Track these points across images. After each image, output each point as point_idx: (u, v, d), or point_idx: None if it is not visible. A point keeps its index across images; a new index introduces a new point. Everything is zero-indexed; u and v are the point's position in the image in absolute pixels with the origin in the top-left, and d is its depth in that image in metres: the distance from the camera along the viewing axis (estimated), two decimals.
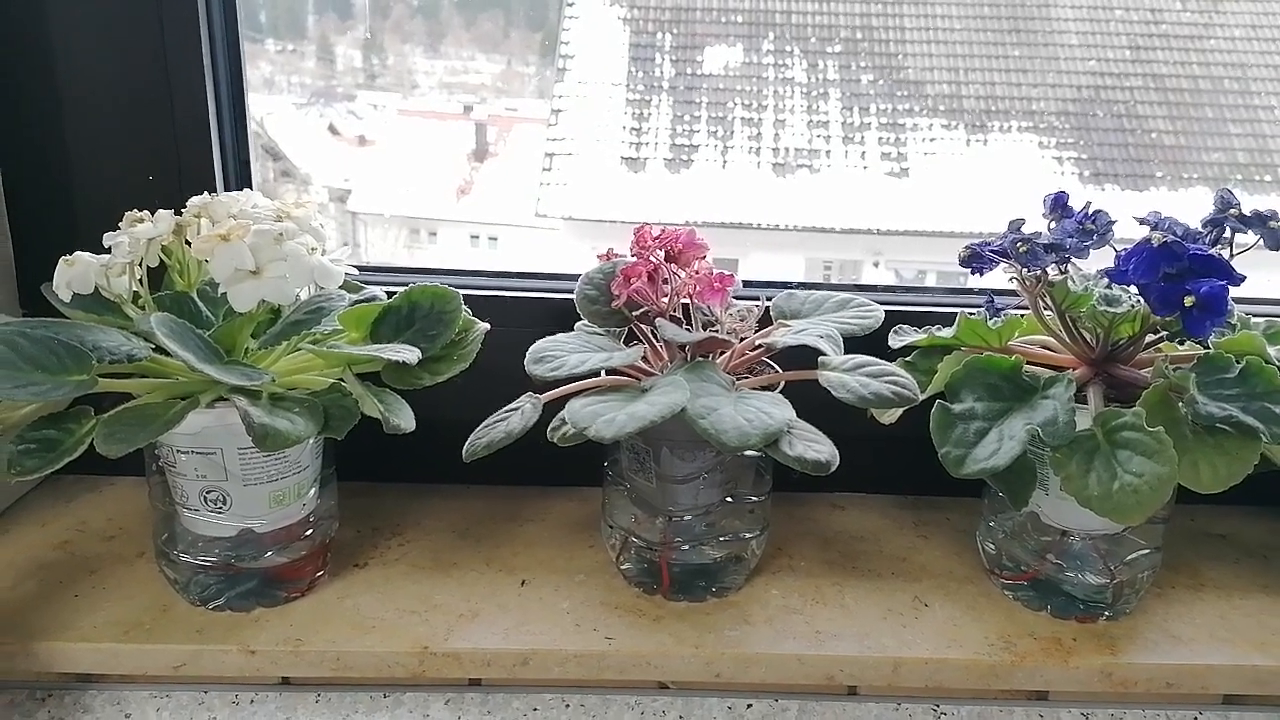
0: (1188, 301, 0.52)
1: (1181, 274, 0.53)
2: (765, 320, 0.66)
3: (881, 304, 0.66)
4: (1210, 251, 0.54)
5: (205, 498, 0.58)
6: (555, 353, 0.60)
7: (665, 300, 0.62)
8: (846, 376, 0.57)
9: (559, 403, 0.58)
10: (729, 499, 0.64)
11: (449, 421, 0.60)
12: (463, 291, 0.63)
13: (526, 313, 0.73)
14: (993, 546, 0.67)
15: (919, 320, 0.70)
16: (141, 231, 0.58)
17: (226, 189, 0.73)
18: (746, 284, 0.74)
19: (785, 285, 0.72)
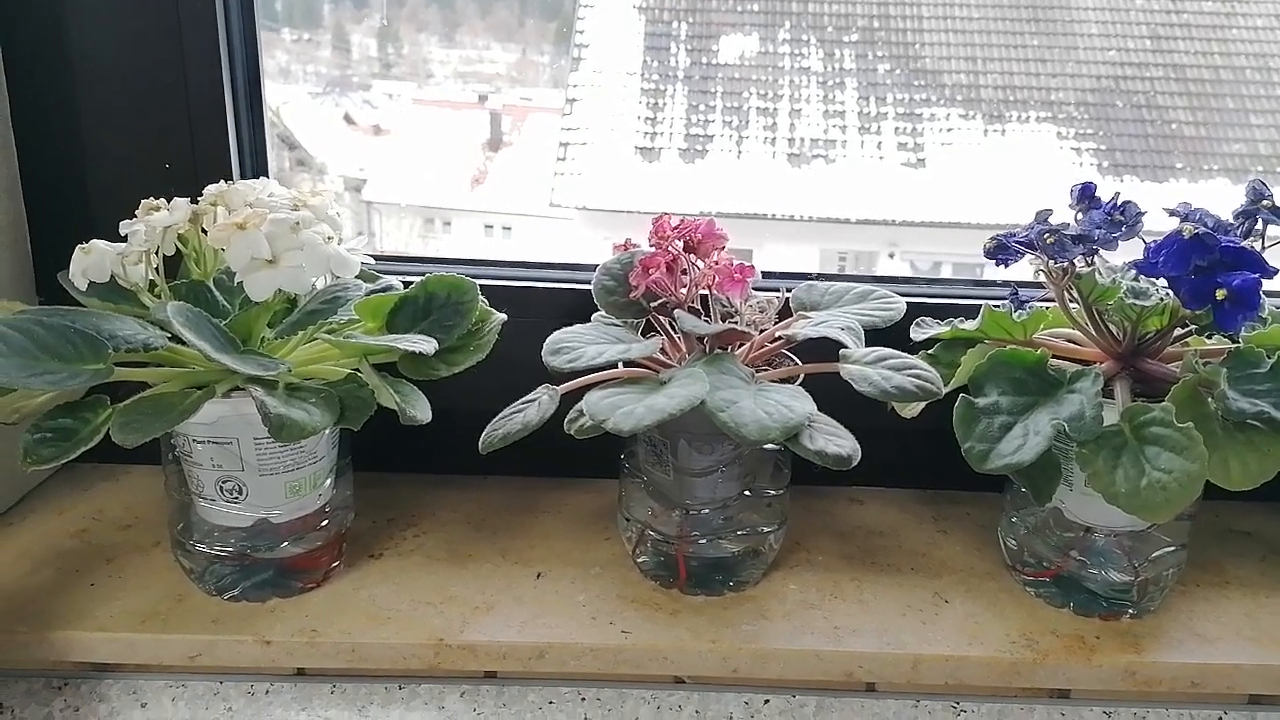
0: (1219, 295, 0.51)
1: (1213, 266, 0.52)
2: (785, 312, 0.65)
3: (902, 295, 0.65)
4: (1242, 244, 0.53)
5: (221, 487, 0.58)
6: (572, 344, 0.59)
7: (684, 291, 0.61)
8: (868, 369, 0.56)
9: (576, 394, 0.58)
10: (747, 492, 0.63)
11: (465, 412, 0.60)
12: (479, 282, 0.63)
13: (543, 303, 0.72)
14: (1014, 542, 0.66)
15: (941, 312, 0.69)
16: (157, 220, 0.57)
17: (243, 177, 0.73)
18: (766, 275, 0.73)
19: (805, 276, 0.71)
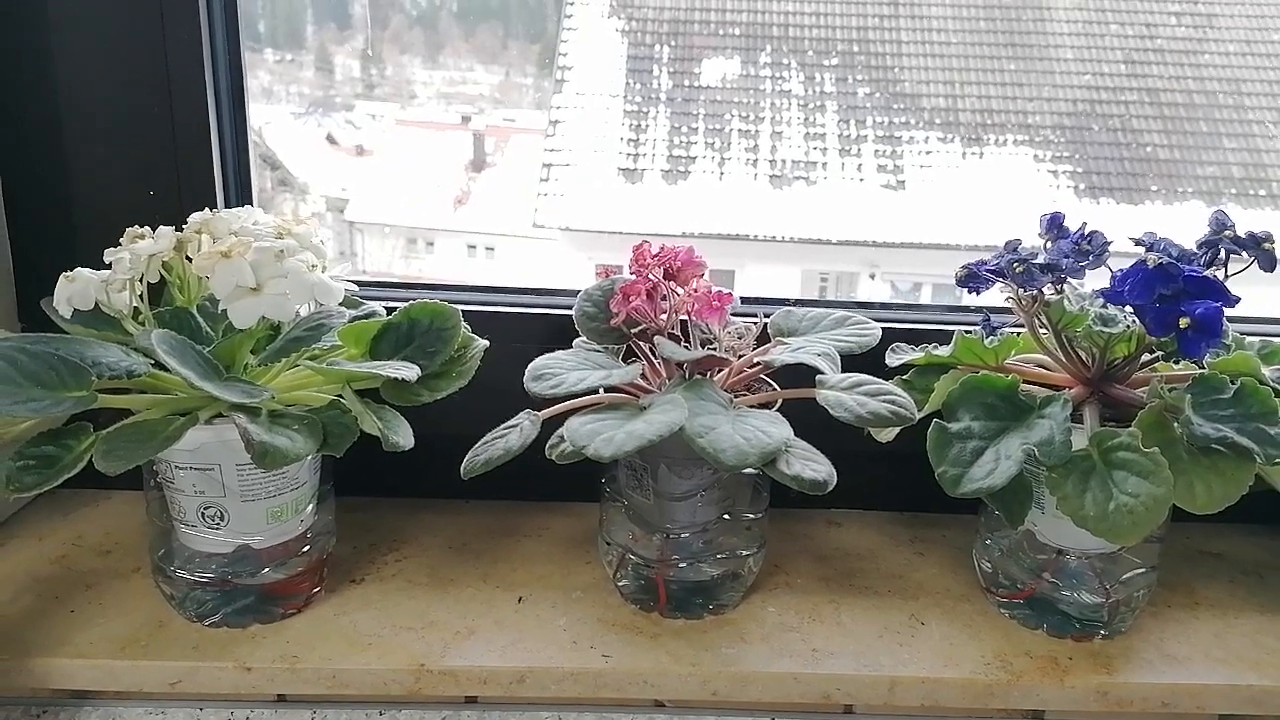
0: (1183, 323, 0.53)
1: (1176, 295, 0.54)
2: (763, 338, 0.66)
3: (879, 321, 0.66)
4: (1205, 273, 0.54)
5: (203, 514, 0.58)
6: (554, 370, 0.60)
7: (664, 318, 0.62)
8: (844, 395, 0.57)
9: (558, 419, 0.59)
10: (726, 516, 0.64)
11: (448, 437, 0.60)
12: (462, 308, 0.64)
13: (525, 329, 0.73)
14: (989, 564, 0.67)
15: (916, 338, 0.70)
16: (142, 248, 0.58)
17: (227, 204, 0.73)
18: (745, 301, 0.74)
19: (783, 302, 0.72)
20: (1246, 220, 0.59)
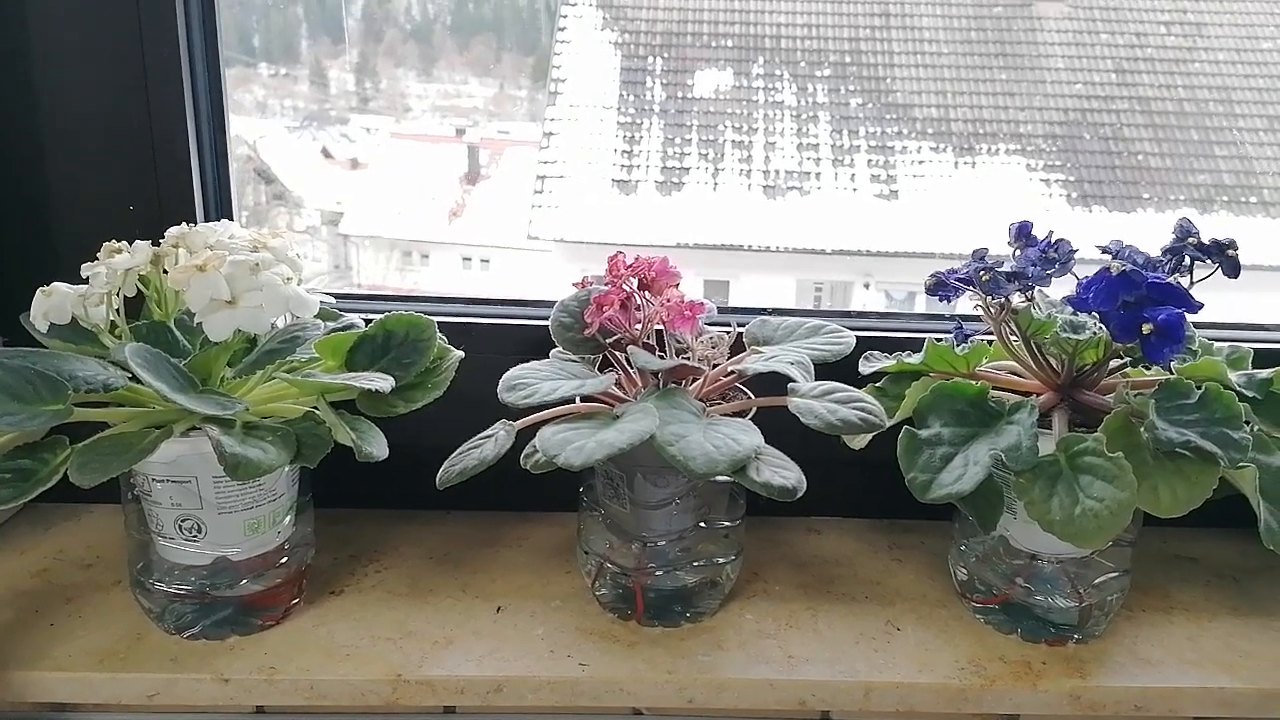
0: (1145, 329, 0.53)
1: (1140, 302, 0.54)
2: (739, 347, 0.66)
3: (858, 330, 0.67)
4: (1168, 280, 0.55)
5: (180, 526, 0.59)
6: (528, 380, 0.60)
7: (638, 328, 0.63)
8: (815, 403, 0.58)
9: (534, 430, 0.59)
10: (703, 524, 0.64)
11: (426, 448, 0.61)
12: (438, 319, 0.64)
13: (502, 340, 0.74)
14: (964, 570, 0.67)
15: (892, 346, 0.70)
16: (119, 262, 0.58)
17: (207, 219, 0.74)
18: (723, 310, 0.75)
19: (761, 312, 0.72)
20: (1239, 228, 0.60)
